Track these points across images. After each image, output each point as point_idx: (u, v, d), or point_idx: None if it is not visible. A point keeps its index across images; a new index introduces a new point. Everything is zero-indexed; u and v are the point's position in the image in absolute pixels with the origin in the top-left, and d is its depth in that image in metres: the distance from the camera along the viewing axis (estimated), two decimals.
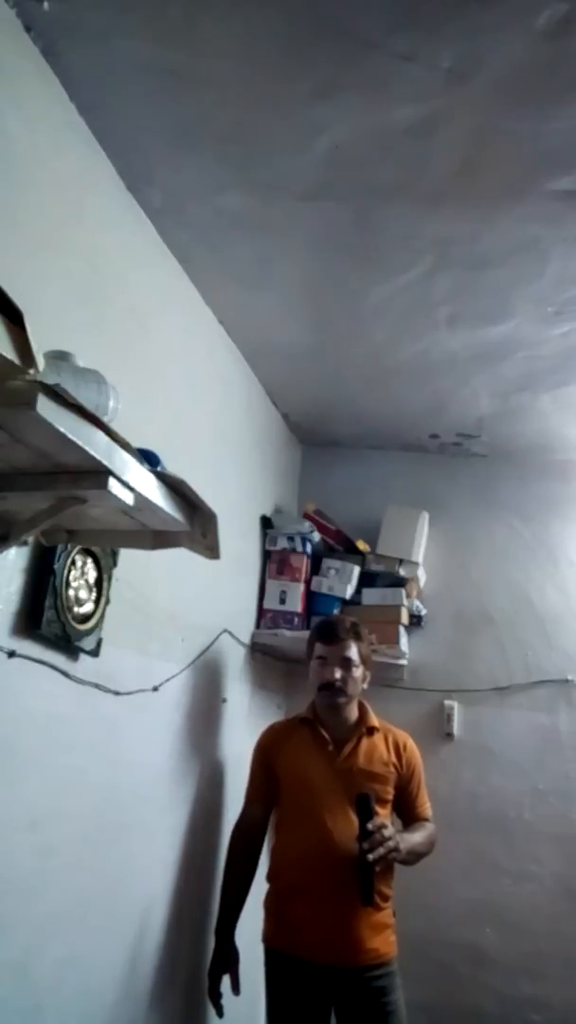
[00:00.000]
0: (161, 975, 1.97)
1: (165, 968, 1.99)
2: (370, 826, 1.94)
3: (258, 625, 2.77)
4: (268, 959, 2.13)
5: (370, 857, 1.91)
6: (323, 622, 2.31)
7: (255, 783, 2.28)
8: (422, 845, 2.14)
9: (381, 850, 1.92)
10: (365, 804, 1.97)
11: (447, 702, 2.92)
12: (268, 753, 2.28)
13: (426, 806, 2.25)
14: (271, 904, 2.16)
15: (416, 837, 2.13)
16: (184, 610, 2.15)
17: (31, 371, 0.87)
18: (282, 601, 2.80)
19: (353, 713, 2.24)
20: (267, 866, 2.23)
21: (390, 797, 2.17)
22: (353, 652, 2.18)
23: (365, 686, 2.25)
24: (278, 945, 2.10)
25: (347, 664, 2.17)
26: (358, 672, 2.19)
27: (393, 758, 2.20)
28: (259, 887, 2.22)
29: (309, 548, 2.88)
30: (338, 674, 2.15)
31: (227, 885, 2.19)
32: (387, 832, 1.96)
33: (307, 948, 2.03)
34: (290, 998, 2.05)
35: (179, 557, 1.49)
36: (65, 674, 1.58)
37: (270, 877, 2.20)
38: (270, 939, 2.13)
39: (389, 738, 2.24)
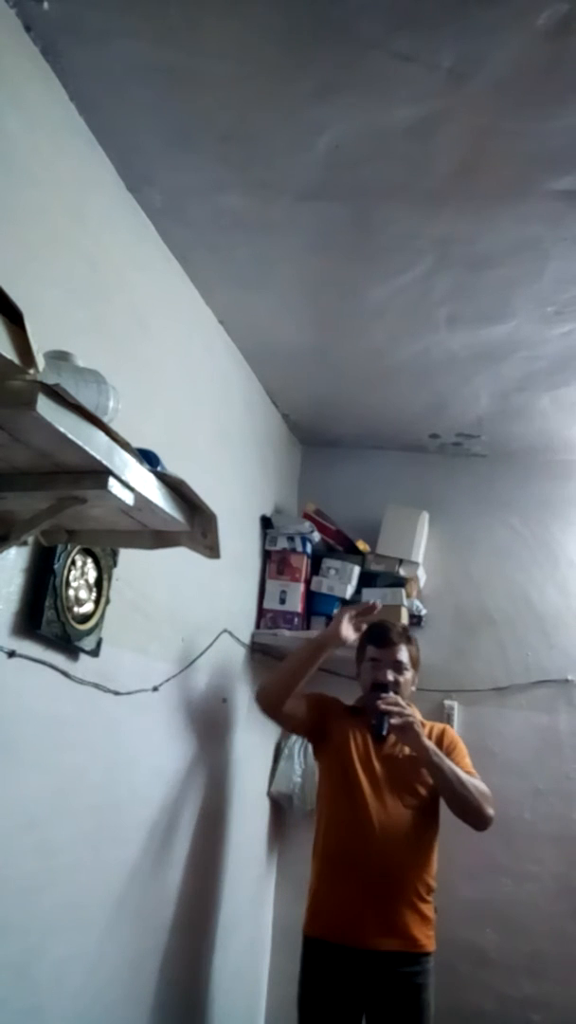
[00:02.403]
0: (161, 975, 1.97)
1: (165, 968, 1.99)
2: (383, 700, 2.12)
3: (258, 625, 2.77)
4: (305, 948, 2.15)
5: (382, 706, 2.09)
6: (375, 626, 2.34)
7: (309, 700, 2.31)
8: (464, 777, 2.12)
9: (395, 708, 2.09)
10: (381, 687, 2.19)
11: (447, 702, 2.92)
12: (328, 711, 2.33)
13: (471, 770, 2.23)
14: (315, 891, 2.19)
15: (454, 765, 2.14)
16: (184, 610, 2.15)
17: (31, 371, 0.87)
18: (282, 601, 2.80)
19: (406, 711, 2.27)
20: (311, 848, 2.26)
21: (432, 781, 2.18)
22: (404, 655, 2.27)
23: (414, 688, 2.33)
24: (316, 932, 2.13)
25: (399, 667, 2.25)
26: (408, 675, 2.28)
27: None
28: (301, 876, 2.24)
29: (309, 548, 2.88)
30: (391, 676, 2.23)
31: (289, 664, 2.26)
32: (404, 704, 2.13)
33: (344, 931, 2.07)
34: (323, 984, 2.08)
35: (179, 557, 1.50)
36: (65, 674, 1.58)
37: (313, 859, 2.23)
38: (311, 927, 2.15)
39: (432, 731, 2.29)
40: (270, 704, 2.26)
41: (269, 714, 2.29)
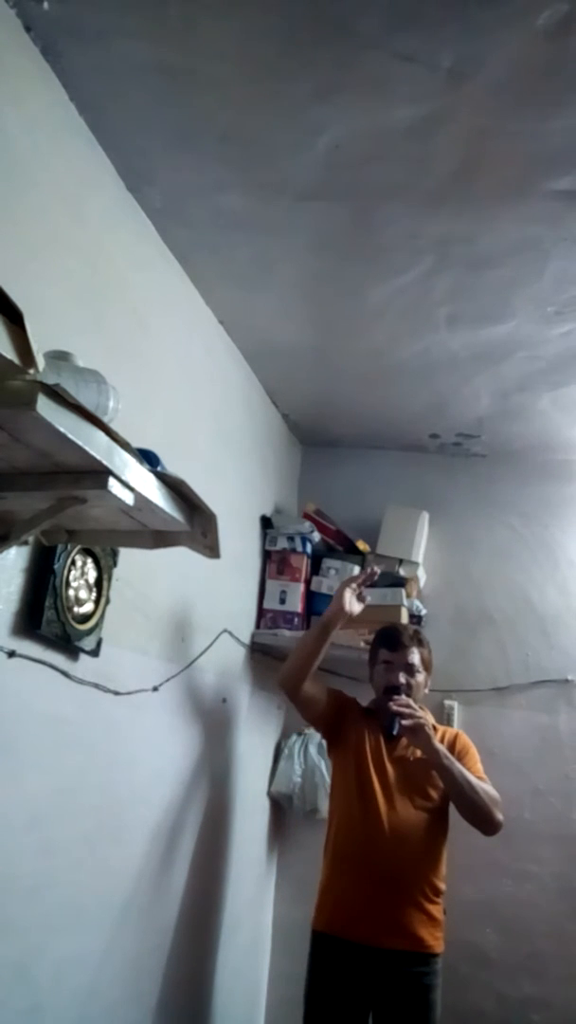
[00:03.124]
0: (162, 974, 1.97)
1: (166, 968, 1.99)
2: (394, 701, 2.15)
3: (258, 625, 2.77)
4: (314, 943, 2.16)
5: (393, 708, 2.11)
6: (388, 629, 2.37)
7: (331, 695, 2.34)
8: (474, 782, 2.13)
9: (407, 710, 2.11)
10: (394, 689, 2.21)
11: (447, 702, 2.92)
12: (346, 710, 2.34)
13: (482, 776, 2.23)
14: (324, 887, 2.20)
15: (464, 769, 2.15)
16: (184, 610, 2.15)
17: (31, 371, 0.87)
18: (282, 601, 2.80)
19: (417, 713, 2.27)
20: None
21: (441, 783, 2.19)
22: (416, 658, 2.29)
23: (427, 691, 2.35)
24: (324, 927, 2.14)
25: (411, 669, 2.27)
26: (421, 677, 2.30)
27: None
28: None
29: (309, 548, 2.88)
30: (403, 678, 2.24)
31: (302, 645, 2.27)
32: (416, 707, 2.15)
33: (352, 927, 2.08)
34: (331, 979, 2.09)
35: (179, 557, 1.50)
36: (65, 674, 1.58)
37: (324, 855, 2.24)
38: (319, 922, 2.16)
39: (444, 735, 2.30)
40: (292, 687, 2.26)
41: (291, 697, 2.30)
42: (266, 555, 2.87)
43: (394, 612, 2.86)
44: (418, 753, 2.19)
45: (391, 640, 2.31)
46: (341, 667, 2.72)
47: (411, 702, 2.16)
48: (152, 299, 1.98)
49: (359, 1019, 2.06)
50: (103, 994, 1.71)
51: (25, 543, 1.44)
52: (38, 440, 0.97)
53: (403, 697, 2.17)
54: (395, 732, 2.12)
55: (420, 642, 2.33)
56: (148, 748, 1.95)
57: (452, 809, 2.21)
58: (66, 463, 1.04)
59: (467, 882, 2.66)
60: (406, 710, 2.12)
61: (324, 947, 2.13)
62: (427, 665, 2.33)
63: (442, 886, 2.17)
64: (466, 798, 2.12)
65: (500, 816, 2.14)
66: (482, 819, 2.13)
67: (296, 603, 2.79)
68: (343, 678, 2.72)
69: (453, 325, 2.28)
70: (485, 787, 2.16)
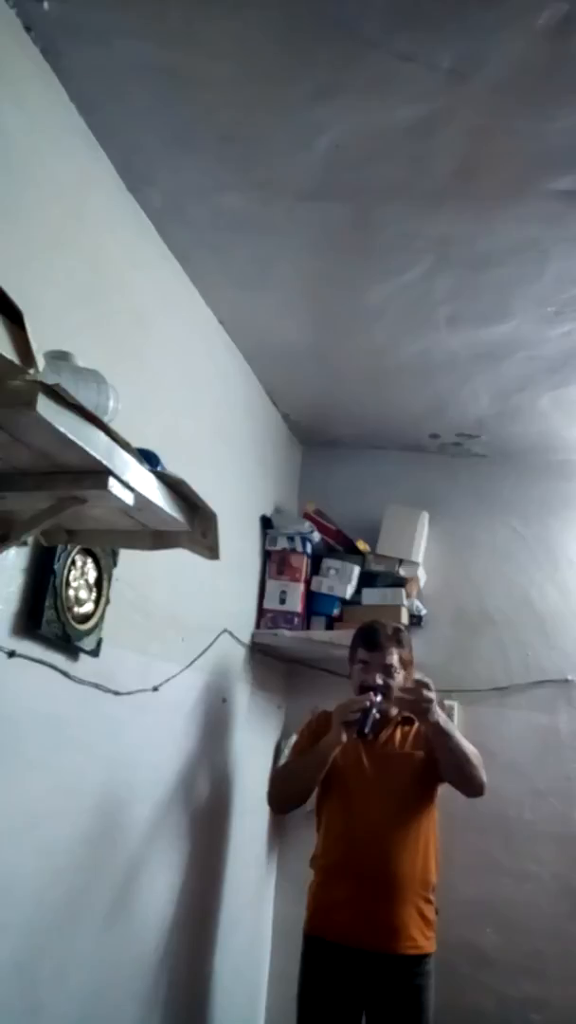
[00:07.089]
0: (162, 975, 1.97)
1: (166, 968, 1.99)
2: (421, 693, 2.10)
3: (258, 625, 2.77)
4: (305, 946, 2.16)
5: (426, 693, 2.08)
6: (366, 628, 2.33)
7: (301, 745, 2.34)
8: (466, 746, 2.14)
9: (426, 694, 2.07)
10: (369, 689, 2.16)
11: (447, 702, 2.91)
12: (319, 731, 2.30)
13: None
14: (313, 890, 2.20)
15: (461, 736, 2.17)
16: (184, 610, 2.15)
17: (31, 371, 0.87)
18: (282, 601, 2.80)
19: (391, 712, 2.27)
20: (312, 850, 2.27)
21: (421, 757, 2.20)
22: (394, 659, 2.25)
23: None
24: (316, 931, 2.14)
25: (388, 670, 2.23)
26: (399, 677, 2.25)
27: (425, 739, 2.22)
28: (301, 876, 2.26)
29: (309, 548, 2.88)
30: (379, 679, 2.20)
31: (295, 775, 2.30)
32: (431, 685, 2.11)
33: (344, 931, 2.07)
34: (322, 981, 2.09)
35: (179, 557, 1.49)
36: (65, 674, 1.58)
37: (313, 860, 2.24)
38: (309, 925, 2.16)
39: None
40: (284, 811, 2.40)
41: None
42: (266, 555, 2.87)
43: (394, 612, 2.87)
44: (396, 747, 2.19)
45: (369, 640, 2.27)
46: (341, 667, 2.72)
47: (430, 683, 2.13)
48: (152, 299, 1.98)
49: (351, 1022, 2.06)
50: (103, 994, 1.71)
51: (25, 543, 1.44)
52: (38, 440, 0.97)
53: (430, 687, 2.12)
54: (367, 730, 2.07)
55: (399, 642, 2.28)
56: (148, 748, 1.95)
57: (441, 805, 2.21)
58: (66, 463, 1.04)
59: (467, 882, 2.66)
60: (427, 695, 2.09)
61: (315, 951, 2.12)
62: (406, 665, 2.28)
63: (433, 880, 2.16)
64: (459, 763, 2.13)
65: (485, 777, 2.17)
66: (470, 780, 2.15)
67: (296, 603, 2.79)
68: (342, 677, 2.72)
69: (453, 325, 2.28)
70: (474, 750, 2.17)
